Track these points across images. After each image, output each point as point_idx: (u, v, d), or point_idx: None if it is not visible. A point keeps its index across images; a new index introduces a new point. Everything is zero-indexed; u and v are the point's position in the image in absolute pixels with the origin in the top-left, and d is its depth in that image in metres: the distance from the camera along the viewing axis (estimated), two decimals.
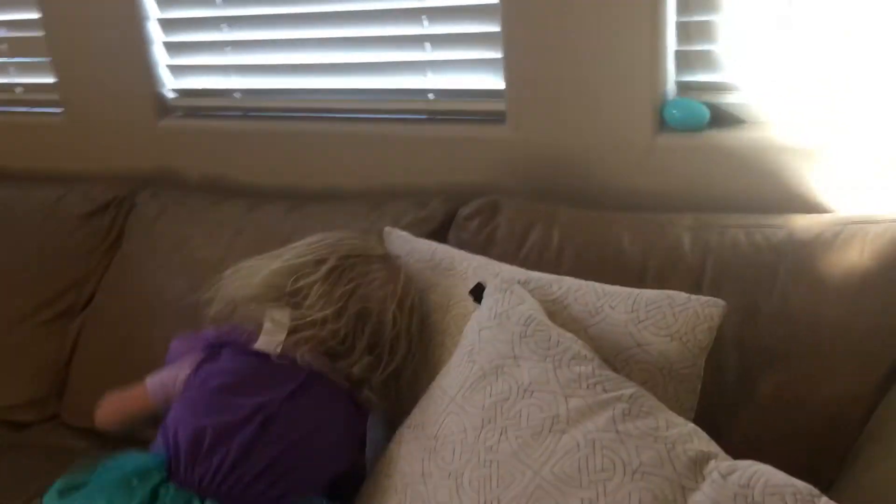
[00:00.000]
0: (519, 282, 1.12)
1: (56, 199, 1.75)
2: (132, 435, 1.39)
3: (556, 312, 1.11)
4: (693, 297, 1.07)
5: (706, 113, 1.37)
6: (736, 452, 0.89)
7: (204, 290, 1.17)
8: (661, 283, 1.18)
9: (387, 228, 1.36)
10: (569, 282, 1.15)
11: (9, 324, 1.66)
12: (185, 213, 1.66)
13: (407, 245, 1.31)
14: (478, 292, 1.12)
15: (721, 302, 1.07)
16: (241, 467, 1.01)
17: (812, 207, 1.30)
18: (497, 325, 1.05)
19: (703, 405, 1.12)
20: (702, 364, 1.07)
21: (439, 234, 1.43)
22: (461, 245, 1.37)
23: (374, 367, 1.11)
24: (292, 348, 1.09)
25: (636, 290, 1.10)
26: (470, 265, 1.22)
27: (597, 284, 1.13)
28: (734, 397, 1.15)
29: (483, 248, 1.35)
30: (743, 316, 1.16)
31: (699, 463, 0.88)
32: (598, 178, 1.46)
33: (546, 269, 1.28)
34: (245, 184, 1.76)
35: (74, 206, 1.73)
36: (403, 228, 1.42)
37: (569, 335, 1.02)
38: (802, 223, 1.22)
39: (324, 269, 1.13)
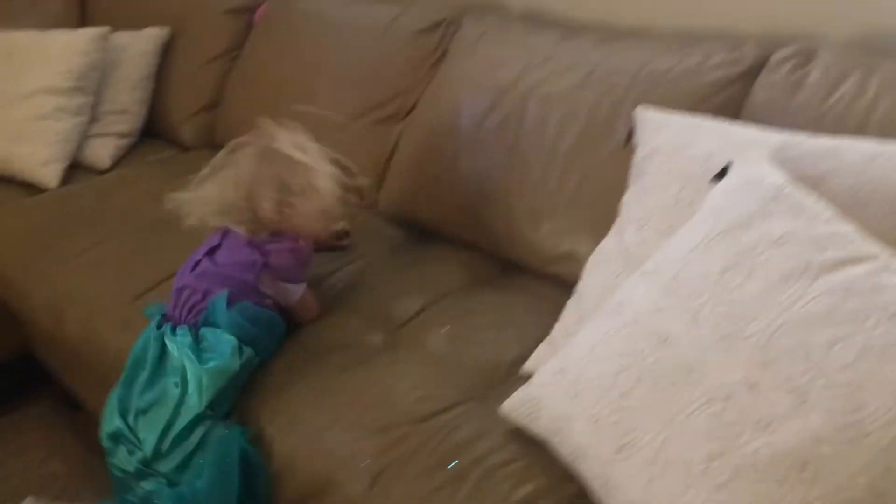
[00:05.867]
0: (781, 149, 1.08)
1: (394, 15, 1.93)
2: None
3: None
4: None
5: None
6: None
7: None
8: None
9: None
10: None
11: (346, 120, 1.89)
12: (502, 39, 1.75)
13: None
14: (722, 174, 1.10)
15: None
16: None
17: None
18: (746, 189, 1.03)
19: None
20: None
21: (749, 76, 1.39)
22: (771, 87, 1.33)
23: None
24: None
25: None
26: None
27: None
28: None
29: (790, 92, 1.30)
30: None
31: None
32: None
33: (851, 122, 1.21)
34: (564, 16, 1.80)
35: (409, 24, 1.90)
36: (711, 69, 1.42)
37: (823, 202, 0.98)
38: None
39: None
